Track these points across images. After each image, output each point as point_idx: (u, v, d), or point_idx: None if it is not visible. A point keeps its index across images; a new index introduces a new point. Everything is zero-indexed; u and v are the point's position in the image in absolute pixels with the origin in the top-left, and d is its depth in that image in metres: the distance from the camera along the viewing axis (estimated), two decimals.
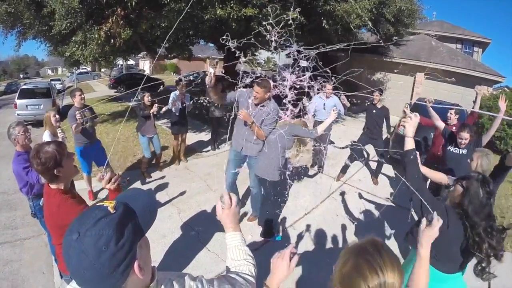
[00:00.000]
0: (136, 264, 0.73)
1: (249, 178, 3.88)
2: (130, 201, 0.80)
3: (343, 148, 7.55)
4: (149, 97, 5.02)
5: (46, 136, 3.39)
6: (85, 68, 31.62)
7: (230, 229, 1.19)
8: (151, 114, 4.96)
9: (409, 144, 1.80)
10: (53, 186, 1.75)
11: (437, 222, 1.33)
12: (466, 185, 1.74)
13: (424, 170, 2.56)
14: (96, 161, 4.64)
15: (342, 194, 5.04)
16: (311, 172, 5.89)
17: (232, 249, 1.15)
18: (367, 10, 6.69)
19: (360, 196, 5.00)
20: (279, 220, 4.12)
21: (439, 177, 2.65)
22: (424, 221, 1.37)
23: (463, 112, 4.88)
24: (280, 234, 3.88)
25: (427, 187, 3.67)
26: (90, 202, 4.52)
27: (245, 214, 4.18)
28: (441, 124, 3.82)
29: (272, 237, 3.70)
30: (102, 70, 32.27)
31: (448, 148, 3.62)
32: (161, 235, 3.68)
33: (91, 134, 4.44)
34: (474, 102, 4.08)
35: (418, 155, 2.24)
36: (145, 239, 0.80)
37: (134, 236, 0.73)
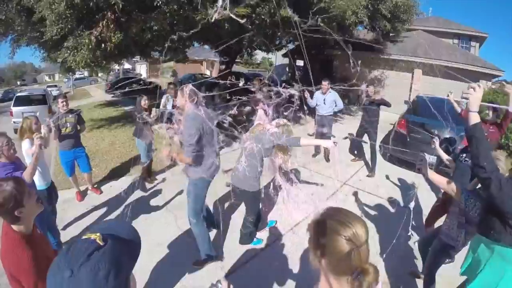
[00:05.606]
0: None
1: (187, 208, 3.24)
2: (112, 232, 0.73)
3: (344, 139, 7.56)
4: (146, 101, 4.93)
5: (26, 145, 3.25)
6: (82, 74, 31.54)
7: None
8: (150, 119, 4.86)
9: (475, 118, 1.60)
10: (14, 227, 1.56)
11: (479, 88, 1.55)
12: None
13: (437, 178, 2.25)
14: (80, 166, 4.70)
15: (344, 194, 4.94)
16: (307, 175, 5.79)
17: None
18: (363, 6, 6.60)
19: (362, 196, 4.90)
20: (277, 225, 4.05)
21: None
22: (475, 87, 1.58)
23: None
24: (259, 237, 3.74)
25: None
26: (77, 203, 4.55)
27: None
28: None
29: (251, 242, 3.61)
30: (99, 75, 32.27)
31: (460, 155, 3.10)
32: (157, 243, 3.58)
33: (72, 139, 4.43)
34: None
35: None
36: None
37: (129, 265, 0.70)
